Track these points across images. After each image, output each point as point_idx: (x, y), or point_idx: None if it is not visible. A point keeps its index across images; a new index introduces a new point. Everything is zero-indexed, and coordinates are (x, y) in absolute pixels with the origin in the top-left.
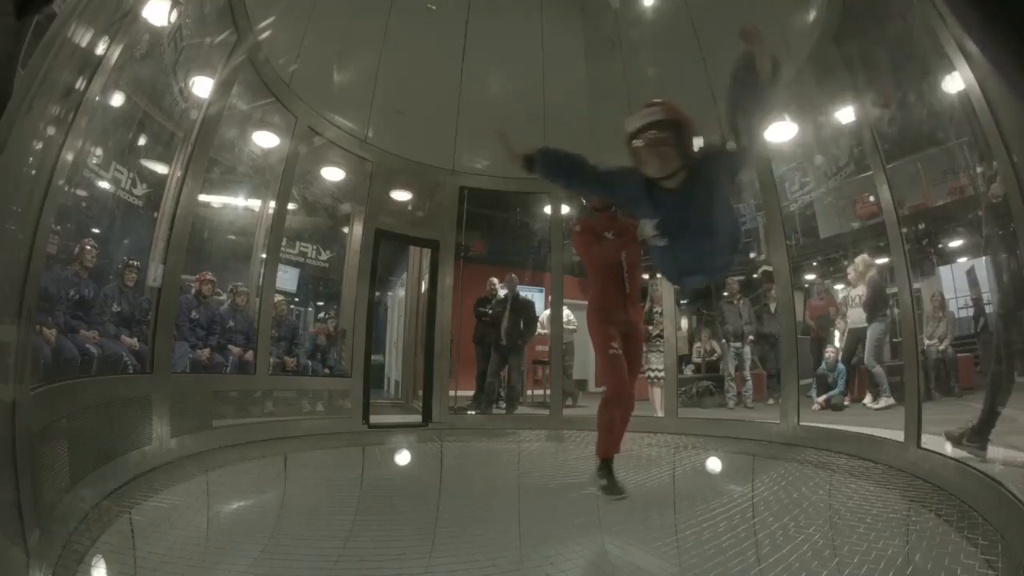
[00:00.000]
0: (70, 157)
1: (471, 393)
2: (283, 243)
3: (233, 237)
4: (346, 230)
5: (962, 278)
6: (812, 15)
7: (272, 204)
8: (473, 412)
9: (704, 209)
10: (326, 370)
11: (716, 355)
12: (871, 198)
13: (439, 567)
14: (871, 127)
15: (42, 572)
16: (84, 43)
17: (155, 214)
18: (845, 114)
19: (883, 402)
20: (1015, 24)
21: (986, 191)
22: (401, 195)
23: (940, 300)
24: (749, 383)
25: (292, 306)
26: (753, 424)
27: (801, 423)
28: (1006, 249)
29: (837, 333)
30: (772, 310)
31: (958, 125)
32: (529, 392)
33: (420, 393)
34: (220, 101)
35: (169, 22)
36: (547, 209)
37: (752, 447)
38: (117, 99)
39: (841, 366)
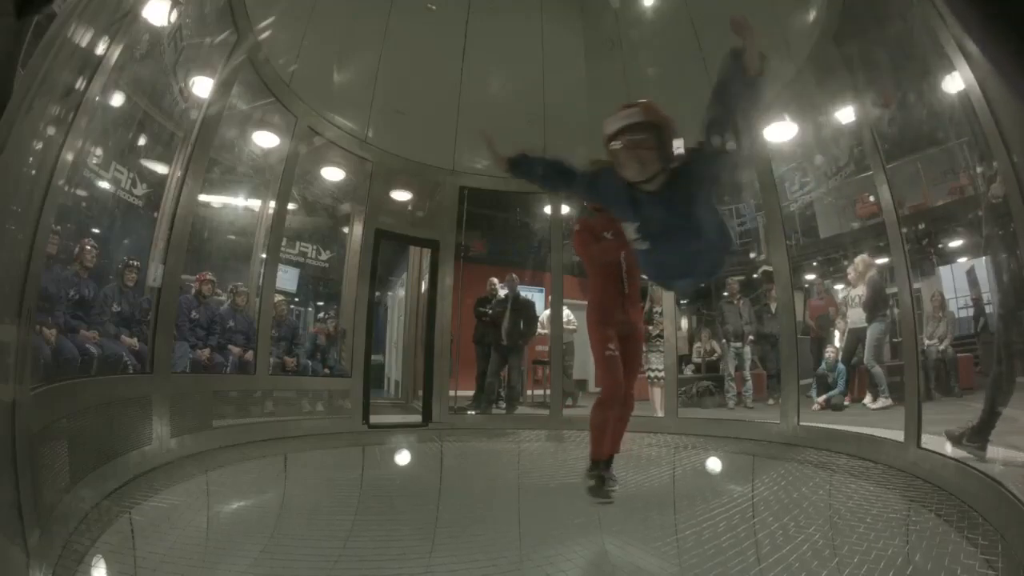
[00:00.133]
0: (70, 157)
1: (471, 393)
2: (283, 243)
3: (233, 237)
4: (346, 230)
5: (962, 278)
6: (812, 15)
7: (272, 204)
8: (473, 412)
9: (686, 212)
10: (326, 370)
11: (716, 355)
12: (871, 198)
13: (439, 567)
14: (871, 127)
15: (42, 572)
16: (84, 43)
17: (155, 214)
18: (845, 114)
19: (880, 402)
20: (1015, 24)
21: (986, 191)
22: (401, 195)
23: (940, 300)
24: (749, 383)
25: (292, 306)
26: (753, 424)
27: (801, 423)
28: (1006, 249)
29: (837, 333)
30: (772, 310)
31: (958, 125)
32: (529, 392)
33: (420, 393)
34: (220, 101)
35: (169, 22)
36: (547, 209)
37: (752, 447)
38: (117, 99)
39: (841, 366)
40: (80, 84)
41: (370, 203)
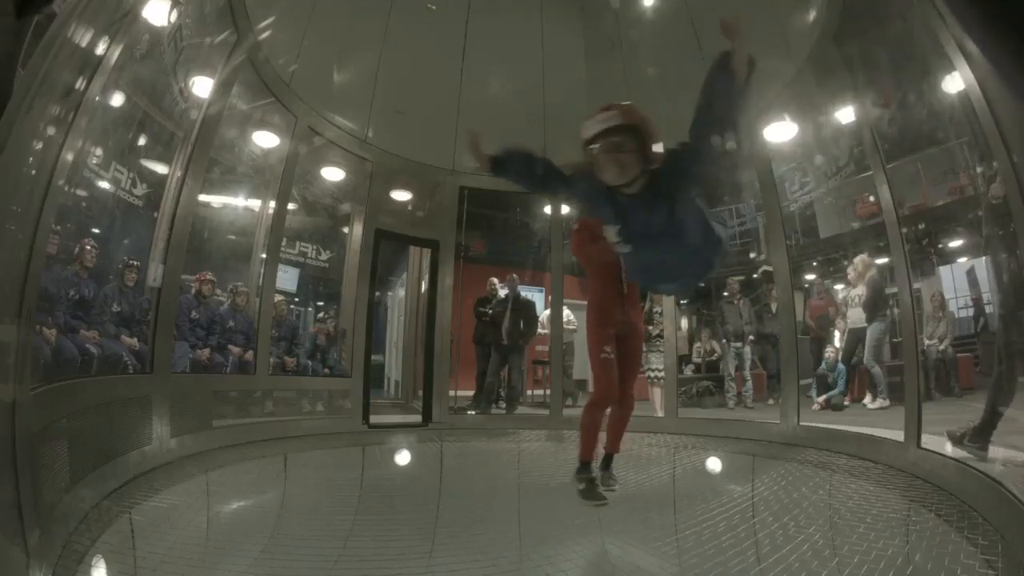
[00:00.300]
0: (70, 157)
1: (471, 393)
2: (283, 243)
3: (233, 237)
4: (346, 230)
5: (962, 278)
6: (812, 15)
7: (272, 204)
8: (473, 412)
9: (668, 214)
10: (326, 370)
11: (716, 355)
12: (871, 198)
13: (439, 567)
14: (871, 127)
15: (42, 572)
16: (84, 43)
17: (155, 214)
18: (845, 114)
19: (878, 403)
20: (1015, 24)
21: (986, 191)
22: (401, 195)
23: (940, 300)
24: (749, 383)
25: (292, 306)
26: (753, 424)
27: (801, 423)
28: (1006, 249)
29: (837, 333)
30: (772, 310)
31: (958, 125)
32: (529, 392)
33: (420, 393)
34: (220, 101)
35: (169, 22)
36: (547, 209)
37: (752, 447)
38: (117, 99)
39: (841, 366)
40: (80, 84)
41: (370, 203)
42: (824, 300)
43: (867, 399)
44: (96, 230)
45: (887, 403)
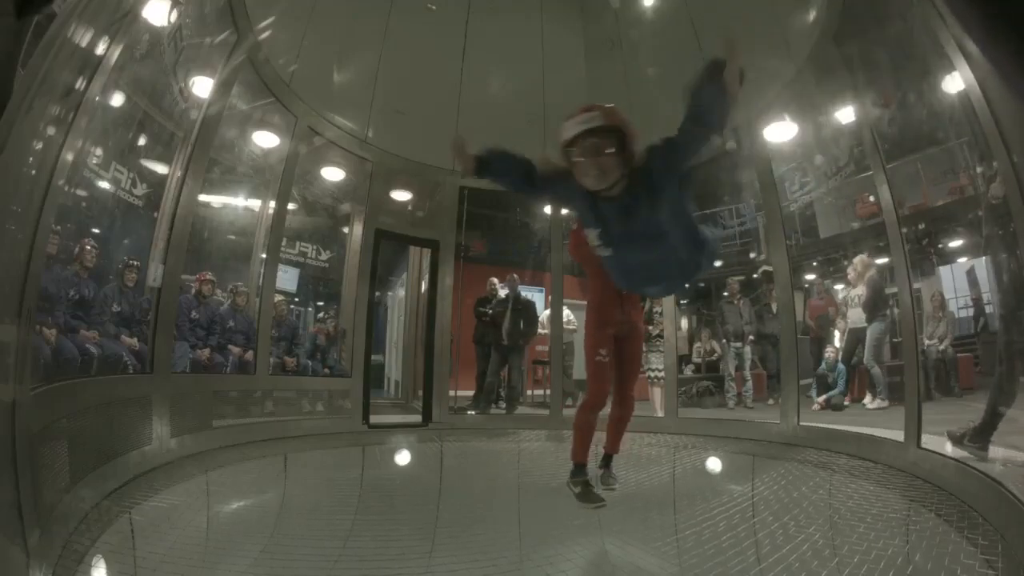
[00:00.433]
0: (70, 157)
1: (471, 393)
2: (283, 243)
3: (233, 237)
4: (346, 230)
5: (962, 278)
6: (812, 15)
7: (272, 204)
8: (473, 412)
9: (649, 218)
10: (326, 370)
11: (716, 355)
12: (871, 198)
13: (439, 567)
14: (871, 127)
15: (42, 572)
16: (84, 43)
17: (155, 214)
18: (845, 114)
19: (876, 403)
20: (1015, 24)
21: (986, 191)
22: (401, 195)
23: (940, 300)
24: (749, 383)
25: (292, 306)
26: (753, 424)
27: (801, 423)
28: (1006, 249)
29: (837, 333)
30: (772, 310)
31: (958, 125)
32: (529, 392)
33: (420, 393)
34: (220, 101)
35: (169, 22)
36: (547, 209)
37: (752, 447)
38: (117, 99)
39: (841, 366)
40: (80, 84)
41: (370, 203)
42: (824, 300)
43: (867, 399)
44: (96, 230)
45: (886, 403)
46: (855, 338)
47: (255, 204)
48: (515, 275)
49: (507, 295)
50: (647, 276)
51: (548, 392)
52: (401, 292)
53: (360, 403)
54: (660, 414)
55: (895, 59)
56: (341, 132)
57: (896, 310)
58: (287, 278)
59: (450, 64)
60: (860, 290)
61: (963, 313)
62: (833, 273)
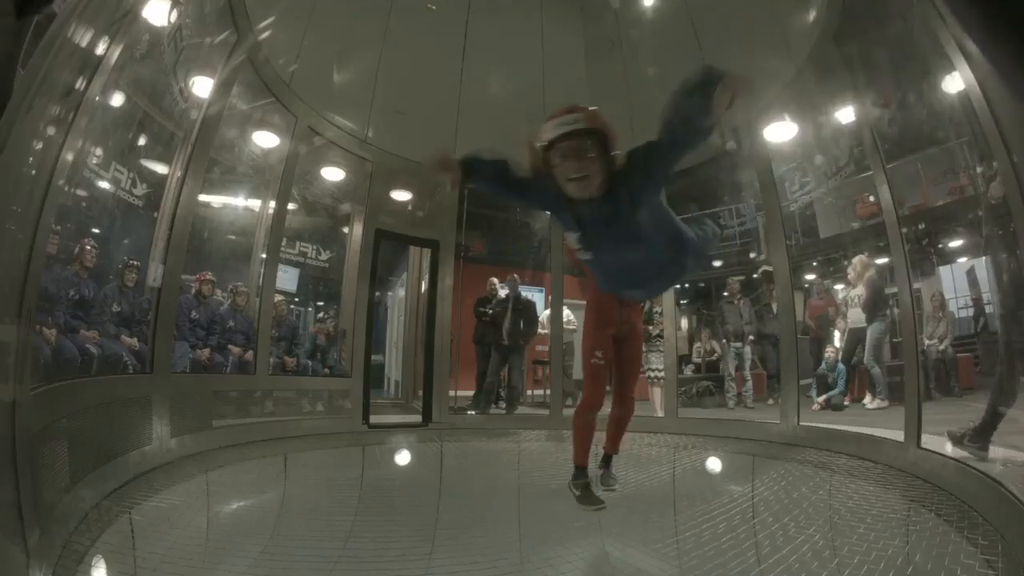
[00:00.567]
0: (70, 157)
1: (471, 393)
2: (283, 243)
3: (233, 237)
4: (346, 230)
5: (962, 278)
6: (812, 15)
7: (272, 204)
8: (473, 412)
9: (629, 221)
10: (326, 370)
11: (716, 355)
12: (871, 198)
13: (439, 568)
14: (871, 127)
15: (42, 572)
16: (84, 43)
17: (155, 214)
18: (845, 114)
19: (876, 403)
20: (1015, 24)
21: (986, 191)
22: (401, 195)
23: (940, 300)
24: (749, 383)
25: (292, 306)
26: (753, 424)
27: (801, 423)
28: (1006, 249)
29: (837, 333)
30: (772, 310)
31: (958, 125)
32: (529, 392)
33: (420, 393)
34: (220, 101)
35: (169, 22)
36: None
37: (752, 447)
38: (117, 99)
39: (841, 366)
40: (80, 84)
41: (370, 203)
42: (824, 300)
43: (866, 399)
44: (96, 230)
45: (885, 403)
46: (855, 338)
47: (255, 204)
48: (515, 275)
49: (507, 295)
50: (630, 279)
51: (548, 392)
52: (401, 292)
53: (360, 403)
54: (660, 414)
55: (895, 59)
56: (341, 132)
57: (896, 310)
58: (287, 278)
59: (450, 64)
60: (860, 290)
61: (963, 313)
62: (833, 273)
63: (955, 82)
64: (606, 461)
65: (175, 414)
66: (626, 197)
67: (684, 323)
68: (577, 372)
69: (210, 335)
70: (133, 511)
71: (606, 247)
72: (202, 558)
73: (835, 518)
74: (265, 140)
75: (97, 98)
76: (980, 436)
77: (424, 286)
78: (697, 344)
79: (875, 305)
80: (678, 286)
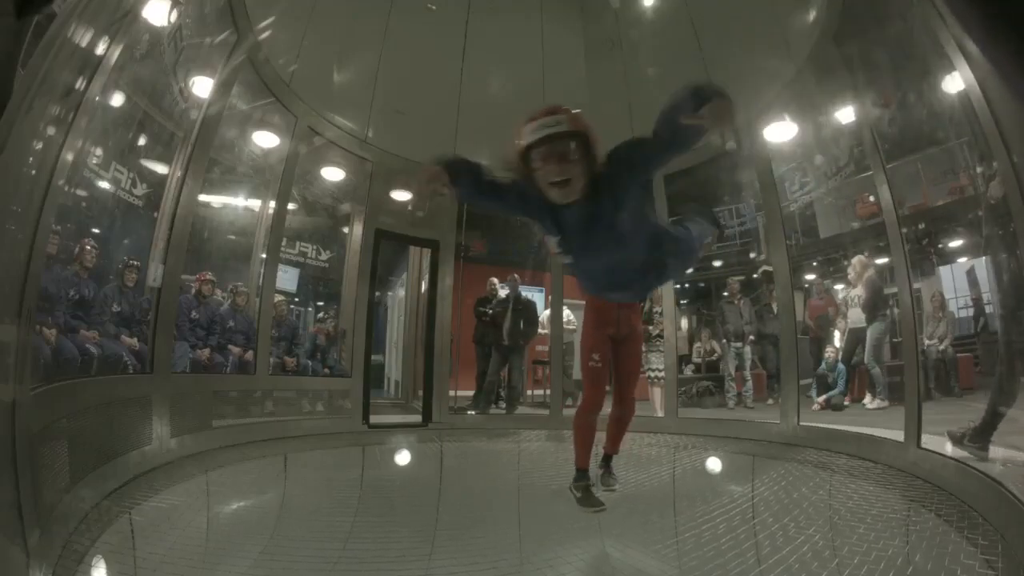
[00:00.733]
0: (70, 157)
1: (471, 393)
2: (283, 243)
3: (233, 237)
4: (346, 230)
5: (962, 278)
6: (812, 15)
7: (272, 204)
8: (473, 412)
9: (611, 225)
10: (326, 370)
11: (716, 355)
12: (871, 198)
13: (439, 569)
14: (871, 127)
15: (42, 572)
16: (84, 43)
17: (155, 214)
18: (845, 114)
19: (876, 403)
20: (1015, 24)
21: (985, 191)
22: (401, 195)
23: (940, 300)
24: (749, 383)
25: (292, 306)
26: (753, 424)
27: (801, 423)
28: (1006, 249)
29: (837, 333)
30: (772, 310)
31: (958, 125)
32: (529, 392)
33: (420, 393)
34: (220, 101)
35: (169, 22)
36: None
37: (752, 447)
38: (117, 99)
39: (841, 366)
40: (80, 84)
41: (370, 203)
42: (824, 300)
43: (866, 399)
44: (96, 230)
45: (885, 403)
46: (855, 338)
47: (255, 204)
48: (515, 275)
49: (508, 295)
50: (612, 281)
51: (548, 392)
52: (401, 292)
53: (360, 403)
54: (660, 414)
55: (895, 59)
56: (341, 132)
57: (896, 310)
58: (287, 278)
59: (450, 64)
60: (860, 290)
61: (963, 313)
62: (833, 273)
63: (955, 82)
64: (606, 461)
65: (175, 414)
66: (608, 199)
67: (684, 323)
68: (577, 372)
69: (210, 335)
70: (133, 511)
71: (587, 250)
72: (202, 558)
73: (835, 518)
74: (265, 140)
75: (97, 98)
76: (980, 436)
77: (424, 286)
78: (697, 344)
79: (875, 305)
80: (677, 286)
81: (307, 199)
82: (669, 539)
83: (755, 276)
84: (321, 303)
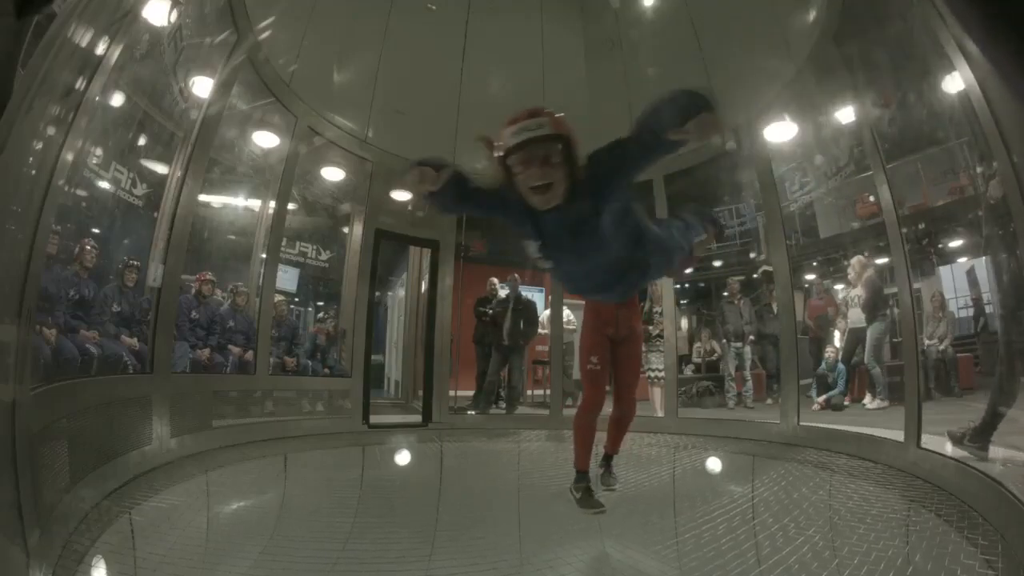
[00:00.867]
0: (70, 157)
1: (471, 393)
2: (283, 243)
3: (233, 237)
4: (346, 230)
5: (962, 278)
6: (812, 15)
7: (272, 204)
8: (473, 412)
9: (593, 229)
10: (326, 370)
11: (716, 355)
12: (871, 198)
13: (439, 570)
14: (871, 127)
15: (42, 572)
16: (84, 43)
17: (155, 214)
18: (845, 114)
19: (875, 403)
20: (1015, 24)
21: (985, 191)
22: (401, 195)
23: (940, 300)
24: (749, 383)
25: (292, 306)
26: (753, 424)
27: (801, 423)
28: (1006, 249)
29: (837, 333)
30: (773, 310)
31: (958, 125)
32: (529, 392)
33: (420, 393)
34: (220, 101)
35: (169, 22)
36: None
37: (752, 447)
38: (117, 99)
39: (841, 366)
40: (80, 84)
41: (370, 203)
42: (824, 300)
43: (866, 399)
44: (96, 230)
45: (885, 403)
46: (855, 338)
47: (255, 204)
48: (516, 275)
49: (508, 295)
50: (593, 284)
51: (548, 392)
52: (401, 292)
53: (360, 403)
54: (660, 414)
55: (895, 59)
56: (341, 132)
57: (896, 310)
58: (287, 278)
59: (450, 64)
60: (859, 290)
61: (963, 313)
62: (833, 273)
63: (955, 82)
64: (606, 460)
65: (175, 414)
66: (589, 204)
67: (684, 323)
68: (577, 372)
69: (210, 335)
70: (133, 511)
71: (568, 255)
72: (202, 558)
73: (835, 518)
74: (265, 140)
75: (97, 98)
76: (980, 436)
77: (424, 286)
78: (697, 344)
79: (874, 305)
80: (677, 286)
81: (307, 199)
82: (669, 540)
83: (755, 276)
84: (321, 303)
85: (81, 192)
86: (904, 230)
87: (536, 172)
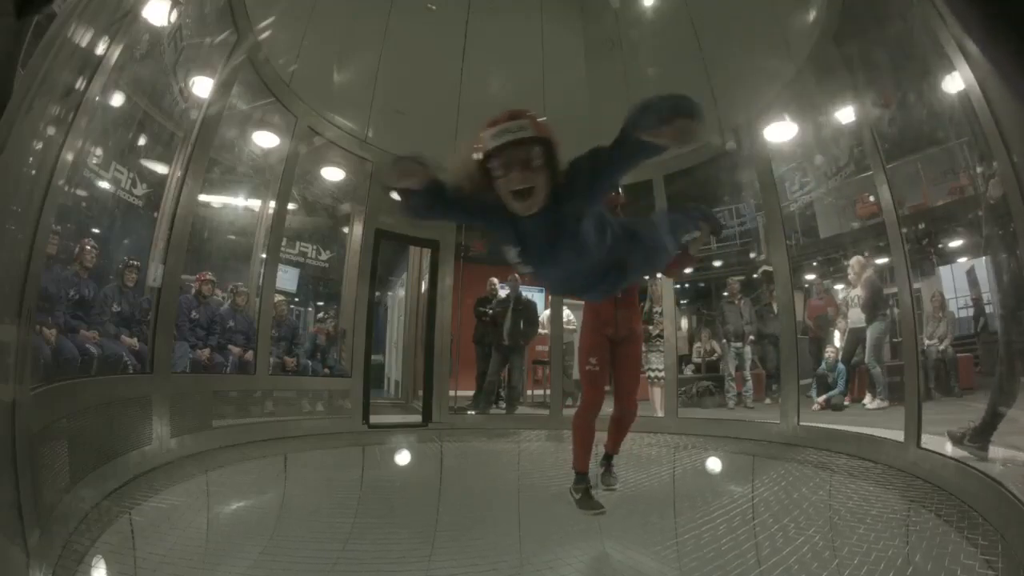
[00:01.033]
0: (70, 157)
1: (471, 393)
2: (283, 243)
3: (233, 237)
4: (346, 230)
5: (962, 278)
6: (812, 15)
7: (272, 204)
8: (473, 412)
9: (574, 234)
10: (326, 370)
11: (716, 355)
12: (871, 198)
13: (439, 570)
14: (871, 127)
15: (42, 572)
16: (84, 43)
17: (155, 214)
18: (845, 114)
19: (875, 403)
20: (1015, 24)
21: (985, 191)
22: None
23: (940, 300)
24: (749, 383)
25: (292, 306)
26: (753, 424)
27: (801, 423)
28: (1006, 249)
29: (837, 333)
30: (773, 310)
31: (958, 125)
32: (529, 392)
33: (420, 393)
34: (220, 101)
35: (169, 22)
36: None
37: (752, 447)
38: (117, 99)
39: (841, 366)
40: (80, 84)
41: (370, 203)
42: (824, 300)
43: (866, 399)
44: (96, 230)
45: (885, 403)
46: (855, 338)
47: (255, 204)
48: (516, 275)
49: (508, 295)
50: (576, 285)
51: (548, 392)
52: (401, 292)
53: (360, 403)
54: (660, 414)
55: (895, 59)
56: (341, 132)
57: (896, 310)
58: (287, 278)
59: (450, 64)
60: (859, 290)
61: (963, 313)
62: (833, 273)
63: (955, 82)
64: (607, 460)
65: (175, 414)
66: (571, 209)
67: (684, 323)
68: (577, 372)
69: (210, 335)
70: (133, 511)
71: (549, 260)
72: (202, 558)
73: (835, 518)
74: (265, 140)
75: (97, 98)
76: (980, 436)
77: (424, 286)
78: (697, 344)
79: (874, 305)
80: (677, 286)
81: (307, 199)
82: (669, 540)
83: (755, 276)
84: (321, 303)
85: (81, 192)
86: (904, 230)
87: (517, 176)
